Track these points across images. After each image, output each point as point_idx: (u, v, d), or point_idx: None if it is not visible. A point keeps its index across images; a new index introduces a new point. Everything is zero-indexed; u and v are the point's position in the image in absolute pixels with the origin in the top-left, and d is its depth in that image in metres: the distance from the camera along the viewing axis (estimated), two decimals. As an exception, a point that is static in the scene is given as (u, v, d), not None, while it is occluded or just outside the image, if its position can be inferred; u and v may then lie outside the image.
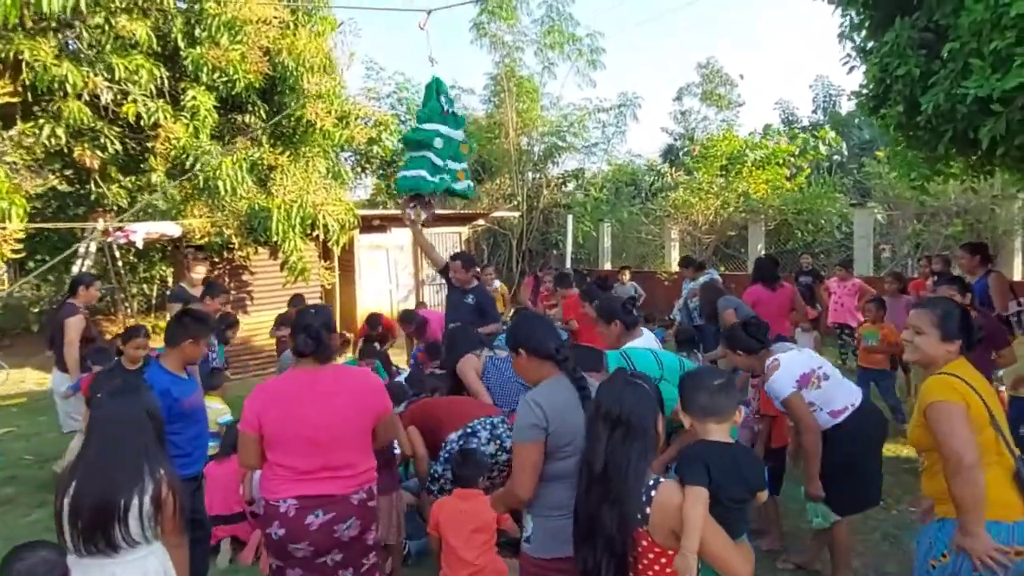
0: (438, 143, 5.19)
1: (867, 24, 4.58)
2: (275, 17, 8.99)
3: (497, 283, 9.39)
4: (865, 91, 4.72)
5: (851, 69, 4.79)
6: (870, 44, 4.63)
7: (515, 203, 15.55)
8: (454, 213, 12.67)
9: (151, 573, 2.27)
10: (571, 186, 16.93)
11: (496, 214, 14.74)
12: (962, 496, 2.21)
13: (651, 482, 1.98)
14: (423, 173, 5.13)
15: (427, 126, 5.24)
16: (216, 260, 9.24)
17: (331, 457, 2.65)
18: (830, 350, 8.82)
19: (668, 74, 50.68)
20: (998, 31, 3.56)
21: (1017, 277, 9.90)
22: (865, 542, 4.22)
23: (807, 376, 3.41)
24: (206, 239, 8.79)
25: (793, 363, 3.44)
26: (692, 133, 22.08)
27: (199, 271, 6.91)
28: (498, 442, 3.71)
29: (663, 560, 1.94)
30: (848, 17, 4.74)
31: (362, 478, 2.74)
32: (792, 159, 14.82)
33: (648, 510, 1.94)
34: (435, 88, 5.37)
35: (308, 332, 2.67)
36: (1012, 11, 3.40)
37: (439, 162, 5.20)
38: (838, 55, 5.16)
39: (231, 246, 9.04)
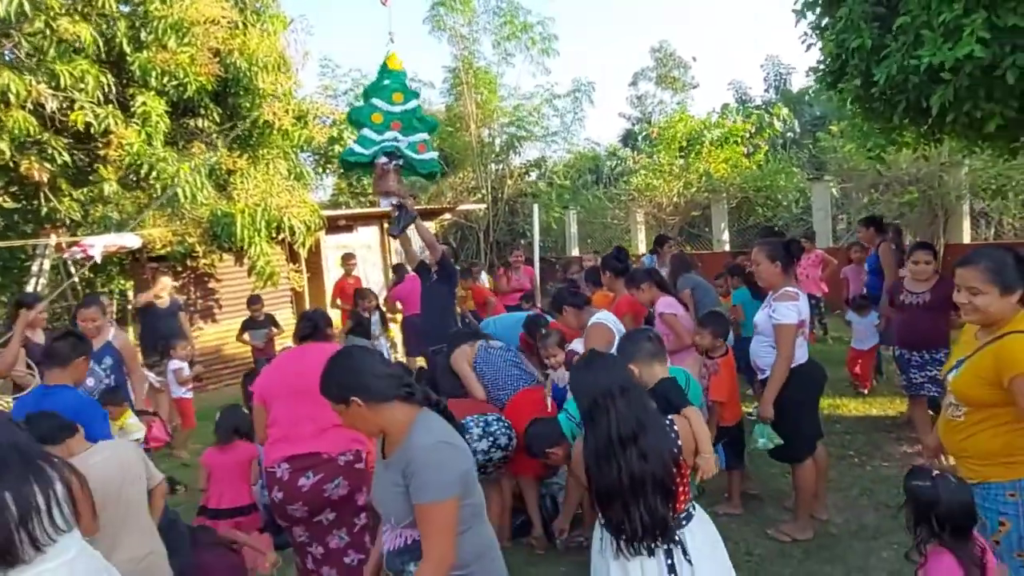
0: (376, 118, 5.08)
1: (821, 1, 4.69)
2: (223, 17, 8.79)
3: (484, 276, 9.44)
4: (823, 67, 4.86)
5: (808, 47, 4.91)
6: (825, 21, 4.75)
7: (480, 195, 15.53)
8: (419, 209, 12.58)
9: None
10: (534, 175, 16.98)
11: (462, 207, 14.70)
12: None
13: (668, 422, 2.31)
14: (354, 147, 5.11)
15: (363, 103, 5.24)
16: (180, 270, 9.04)
17: (318, 409, 2.66)
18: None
19: (623, 60, 51.04)
20: (947, 3, 3.70)
21: (966, 240, 10.29)
22: (845, 498, 4.40)
23: (803, 323, 3.80)
24: (168, 249, 8.59)
25: (804, 305, 3.81)
26: (649, 117, 22.36)
27: (164, 283, 6.80)
28: (491, 439, 3.72)
29: (687, 477, 2.31)
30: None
31: (349, 438, 2.97)
32: (748, 137, 15.10)
33: (679, 442, 2.27)
34: (384, 64, 5.27)
35: (306, 317, 3.46)
36: (959, -17, 3.54)
37: (375, 136, 5.07)
38: (790, 34, 5.31)
39: (195, 254, 8.85)
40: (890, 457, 5.03)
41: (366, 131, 5.10)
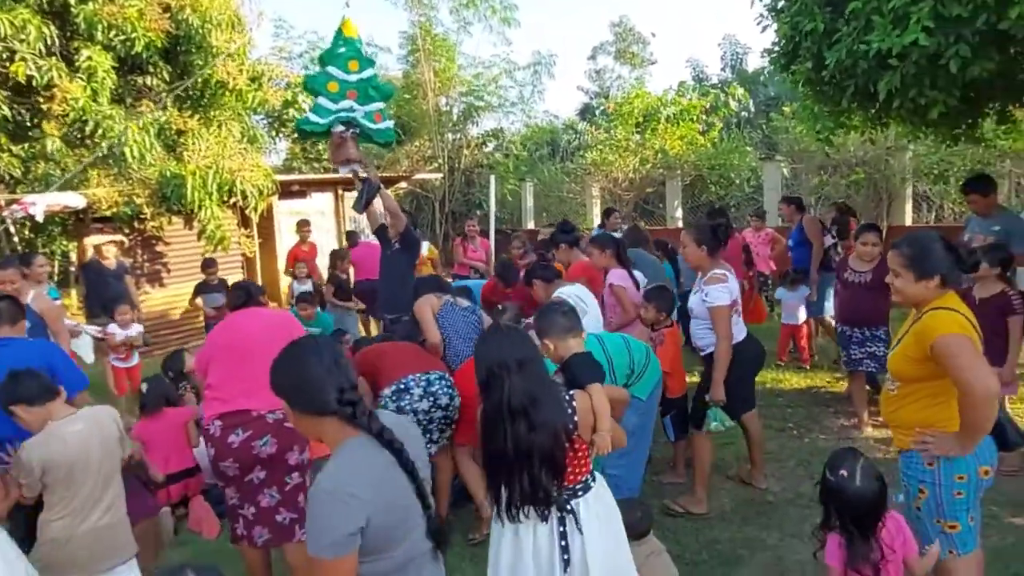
0: (332, 86, 5.09)
1: (777, -17, 4.81)
2: (175, -29, 8.45)
3: (426, 245, 9.35)
4: (777, 48, 4.98)
5: (764, 28, 5.03)
6: (780, 3, 4.86)
7: (436, 165, 15.40)
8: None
9: None
10: (491, 146, 16.90)
11: (418, 176, 14.57)
12: (983, 423, 2.26)
13: (568, 397, 2.32)
14: (311, 116, 5.18)
15: (318, 70, 5.28)
16: (127, 232, 8.76)
17: (247, 367, 3.02)
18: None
19: (583, 32, 50.74)
20: (896, -10, 3.84)
21: (908, 222, 10.75)
22: (783, 468, 4.62)
23: (735, 302, 3.93)
24: (114, 209, 8.31)
25: (734, 285, 3.95)
26: (607, 92, 22.40)
27: (108, 248, 6.64)
28: (431, 399, 3.66)
29: (584, 451, 2.35)
30: (761, -24, 4.97)
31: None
32: (704, 116, 15.30)
33: (576, 418, 2.28)
34: (339, 31, 5.23)
35: (238, 286, 3.68)
36: (908, -28, 3.68)
37: (331, 105, 5.11)
38: (746, 14, 5.43)
39: (142, 216, 8.58)
40: (827, 430, 5.25)
41: (322, 100, 5.12)
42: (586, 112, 23.06)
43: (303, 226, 8.98)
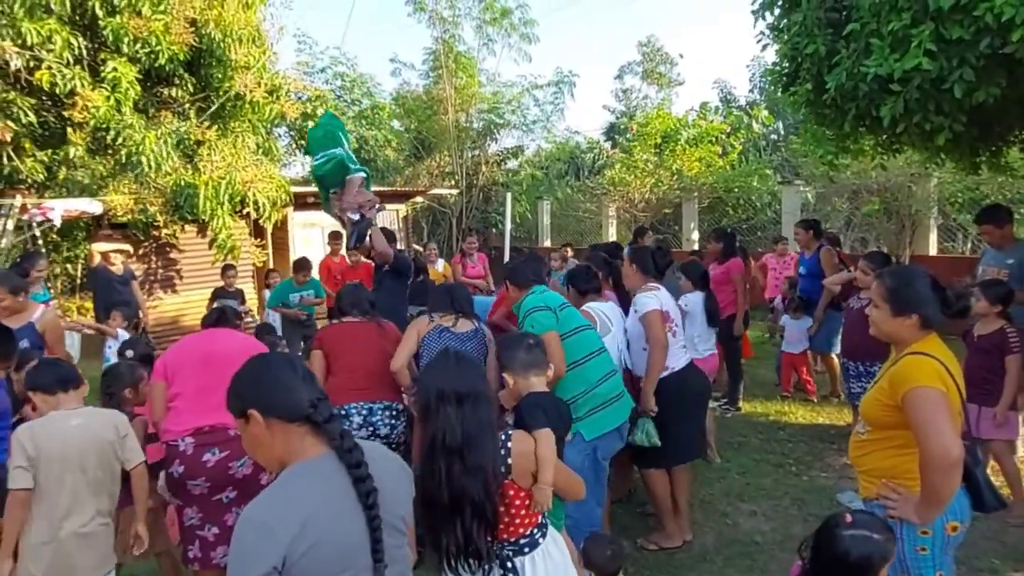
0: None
1: (779, 3, 4.71)
2: (201, -14, 8.66)
3: (441, 262, 9.32)
4: (778, 68, 4.88)
5: (764, 47, 4.93)
6: (783, 22, 4.76)
7: (454, 181, 15.46)
8: (391, 191, 12.51)
9: None
10: (511, 164, 16.93)
11: (435, 191, 14.63)
12: (941, 490, 2.10)
13: (504, 437, 2.14)
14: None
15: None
16: (142, 238, 8.93)
17: (223, 379, 2.61)
18: (760, 324, 9.14)
19: (611, 53, 50.92)
20: (895, 12, 3.73)
21: (932, 252, 10.41)
22: (776, 507, 4.39)
23: (667, 315, 3.77)
24: (129, 216, 8.48)
25: (665, 297, 3.81)
26: (633, 112, 22.34)
27: (115, 256, 6.77)
28: (370, 428, 3.53)
29: (527, 501, 2.15)
30: (762, -5, 4.87)
31: None
32: (725, 137, 15.13)
33: (509, 461, 2.11)
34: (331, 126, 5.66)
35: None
36: (907, -8, 3.56)
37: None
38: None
39: (156, 224, 8.74)
40: (828, 468, 5.01)
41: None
42: (612, 131, 23.02)
43: (335, 238, 8.89)
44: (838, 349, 5.97)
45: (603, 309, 3.91)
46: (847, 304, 4.96)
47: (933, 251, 10.48)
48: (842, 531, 1.86)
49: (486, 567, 2.08)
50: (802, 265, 6.64)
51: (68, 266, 13.51)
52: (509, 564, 2.12)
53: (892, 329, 2.27)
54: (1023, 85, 3.87)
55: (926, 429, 2.07)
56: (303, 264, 7.66)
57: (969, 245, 11.18)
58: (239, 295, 7.80)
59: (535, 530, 2.18)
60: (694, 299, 4.93)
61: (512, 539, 2.15)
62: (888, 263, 5.12)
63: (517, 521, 2.14)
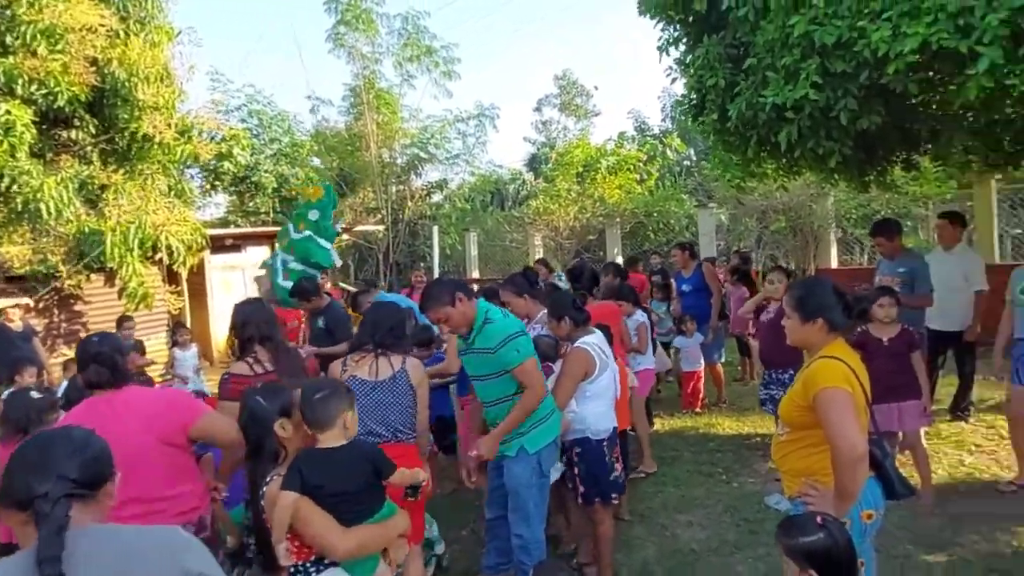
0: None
1: (683, 40, 4.99)
2: (102, 25, 8.34)
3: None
4: (686, 100, 5.15)
5: (673, 80, 5.20)
6: (688, 58, 5.05)
7: (379, 216, 15.37)
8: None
9: None
10: (436, 197, 16.99)
11: (360, 228, 14.49)
12: (850, 485, 2.22)
13: (268, 478, 2.26)
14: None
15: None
16: (41, 290, 8.39)
17: (137, 489, 2.32)
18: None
19: (530, 85, 52.18)
20: (787, 48, 4.02)
21: (834, 265, 11.10)
22: (709, 515, 4.53)
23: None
24: (27, 268, 7.97)
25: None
26: (553, 142, 22.90)
27: (13, 312, 6.37)
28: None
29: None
30: (667, 32, 5.15)
31: (182, 508, 2.51)
32: (642, 165, 15.73)
33: (262, 503, 2.24)
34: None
35: (100, 360, 2.45)
36: (795, 31, 3.86)
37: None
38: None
39: (58, 274, 8.25)
40: (756, 474, 5.22)
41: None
42: (533, 162, 23.49)
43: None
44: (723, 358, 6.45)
45: (595, 342, 3.69)
46: (757, 320, 5.22)
47: (835, 264, 11.18)
48: (832, 536, 1.89)
49: None
50: (683, 283, 7.01)
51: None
52: None
53: (803, 335, 2.45)
54: (900, 112, 4.24)
55: (834, 427, 2.23)
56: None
57: (866, 257, 12.00)
58: (138, 347, 7.41)
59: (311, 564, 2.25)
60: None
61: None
62: (789, 277, 5.47)
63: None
